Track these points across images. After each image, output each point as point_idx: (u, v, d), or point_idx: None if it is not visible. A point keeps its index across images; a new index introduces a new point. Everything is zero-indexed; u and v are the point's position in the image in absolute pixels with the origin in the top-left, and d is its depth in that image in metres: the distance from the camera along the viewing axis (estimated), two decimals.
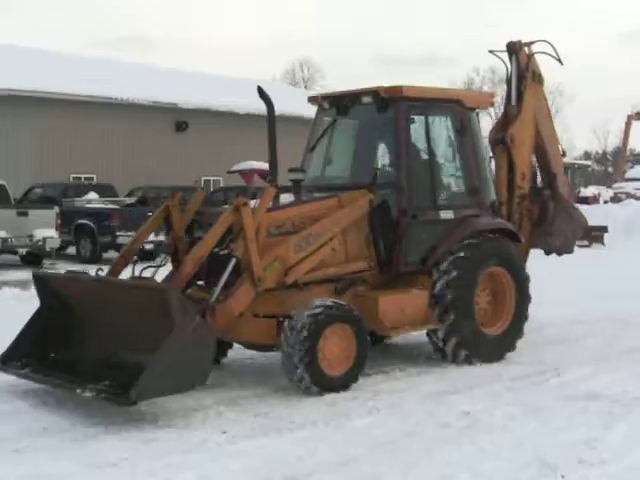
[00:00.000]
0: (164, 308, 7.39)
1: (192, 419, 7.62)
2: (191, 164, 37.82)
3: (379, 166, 10.40)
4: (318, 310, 8.34)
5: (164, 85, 39.96)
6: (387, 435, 7.07)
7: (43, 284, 9.04)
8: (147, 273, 9.22)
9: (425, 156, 10.16)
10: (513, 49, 11.81)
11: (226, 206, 8.67)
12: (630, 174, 58.44)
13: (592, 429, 7.13)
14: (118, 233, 23.82)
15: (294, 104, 46.75)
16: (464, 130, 10.36)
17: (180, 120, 39.25)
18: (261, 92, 10.14)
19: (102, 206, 25.76)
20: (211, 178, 39.50)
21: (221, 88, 43.28)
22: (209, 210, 9.74)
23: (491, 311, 10.22)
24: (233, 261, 8.30)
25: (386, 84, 10.04)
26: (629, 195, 45.73)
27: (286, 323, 8.36)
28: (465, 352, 9.72)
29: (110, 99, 36.28)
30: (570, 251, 12.44)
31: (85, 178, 34.41)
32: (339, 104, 10.54)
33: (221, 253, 8.61)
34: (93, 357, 8.34)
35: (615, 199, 44.07)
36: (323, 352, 8.32)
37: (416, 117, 10.06)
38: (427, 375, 9.32)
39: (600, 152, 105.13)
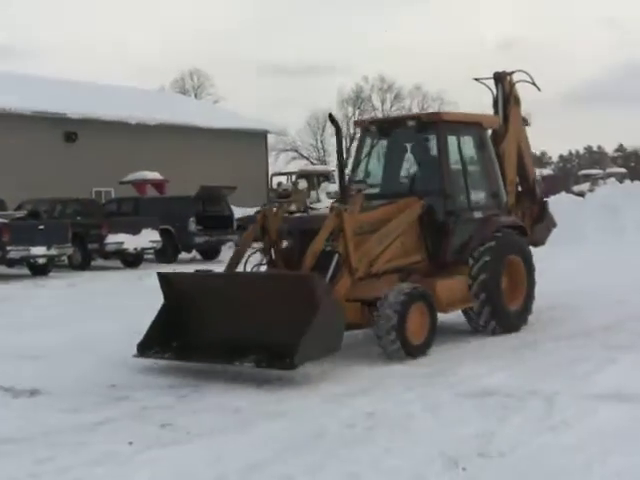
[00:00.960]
0: (310, 291, 9.26)
1: (98, 432, 7.63)
2: (82, 175, 37.32)
3: (425, 177, 12.48)
4: (406, 292, 10.35)
5: (51, 95, 39.39)
6: (293, 438, 7.22)
7: (167, 283, 10.62)
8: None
9: (459, 167, 12.38)
10: (499, 78, 14.13)
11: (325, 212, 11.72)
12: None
13: (489, 423, 7.42)
14: (8, 248, 23.30)
15: (186, 113, 46.74)
16: (483, 146, 12.78)
17: (69, 131, 38.72)
18: (332, 119, 11.88)
19: None
20: (102, 189, 39.06)
21: (111, 98, 42.94)
22: (302, 217, 12.47)
23: (510, 291, 12.32)
24: (337, 256, 10.22)
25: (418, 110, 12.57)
26: None
27: (379, 303, 10.24)
28: (494, 323, 11.92)
29: None
30: (543, 243, 14.76)
31: None
32: (384, 127, 12.94)
33: (326, 250, 10.28)
34: (229, 339, 9.80)
35: None
36: (408, 324, 10.25)
37: (450, 136, 12.20)
38: (329, 378, 9.51)
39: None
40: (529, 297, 12.68)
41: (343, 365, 10.07)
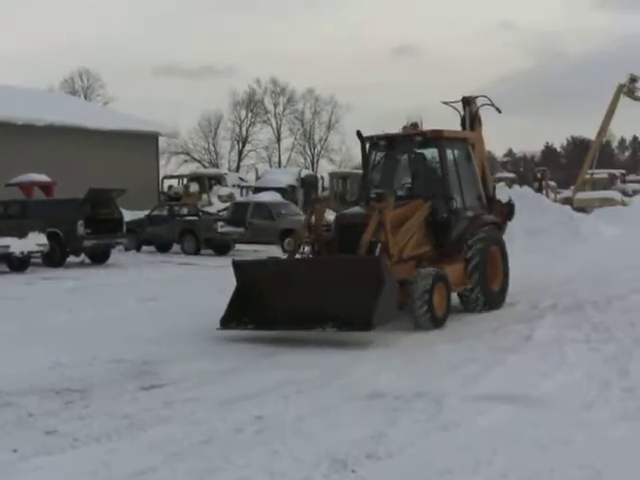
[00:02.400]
0: (376, 270, 11.73)
1: None
2: None
3: (430, 183, 14.86)
4: (432, 274, 12.96)
5: None
6: (183, 443, 7.17)
7: (240, 268, 12.85)
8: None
9: (456, 175, 14.92)
10: (467, 101, 16.53)
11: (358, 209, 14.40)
12: None
13: (377, 425, 7.49)
14: None
15: (75, 114, 45.97)
16: (469, 157, 15.41)
17: None
18: (359, 135, 14.50)
19: None
20: None
21: None
22: (344, 213, 14.93)
23: (492, 276, 14.91)
24: (379, 245, 12.64)
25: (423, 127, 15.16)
26: None
27: (413, 282, 12.68)
28: (483, 300, 14.48)
29: None
30: None
31: None
32: (392, 142, 15.26)
33: (372, 240, 12.68)
34: (304, 312, 11.85)
35: None
36: (434, 299, 12.76)
37: (447, 150, 14.82)
38: (218, 382, 9.47)
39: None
40: (505, 280, 15.40)
41: (232, 370, 10.06)
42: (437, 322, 12.82)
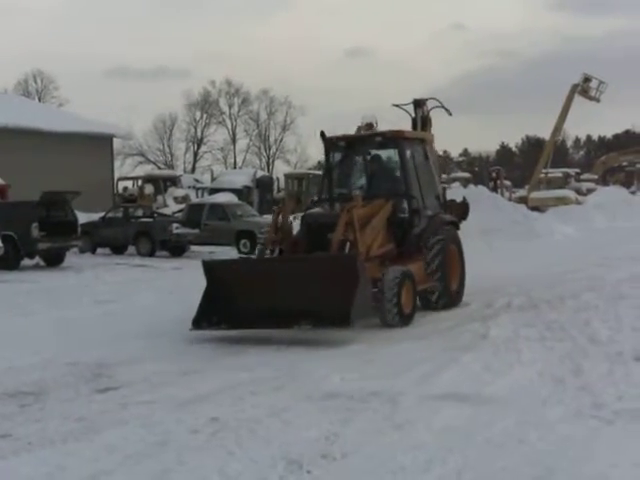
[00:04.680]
0: (352, 268, 11.84)
1: None
2: None
3: (391, 182, 15.14)
4: (399, 273, 13.13)
5: None
6: (138, 446, 7.15)
7: (210, 268, 12.90)
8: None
9: (415, 175, 15.05)
10: (418, 104, 16.81)
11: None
12: None
13: (332, 425, 7.52)
14: None
15: (29, 116, 45.62)
16: (427, 157, 15.71)
17: None
18: (323, 136, 15.09)
19: None
20: None
21: None
22: (313, 212, 15.42)
23: (450, 274, 15.05)
24: (348, 244, 12.81)
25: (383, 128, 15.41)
26: None
27: (382, 281, 12.80)
28: (443, 300, 14.74)
29: None
30: None
31: None
32: (352, 143, 15.41)
33: (341, 239, 12.79)
34: (277, 311, 11.87)
35: None
36: (402, 298, 12.96)
37: (407, 150, 15.02)
38: (172, 384, 9.43)
39: None
40: (463, 279, 15.67)
41: (188, 371, 10.02)
42: (405, 319, 13.06)
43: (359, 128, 15.81)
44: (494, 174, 52.98)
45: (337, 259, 12.57)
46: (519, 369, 9.70)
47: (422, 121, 16.77)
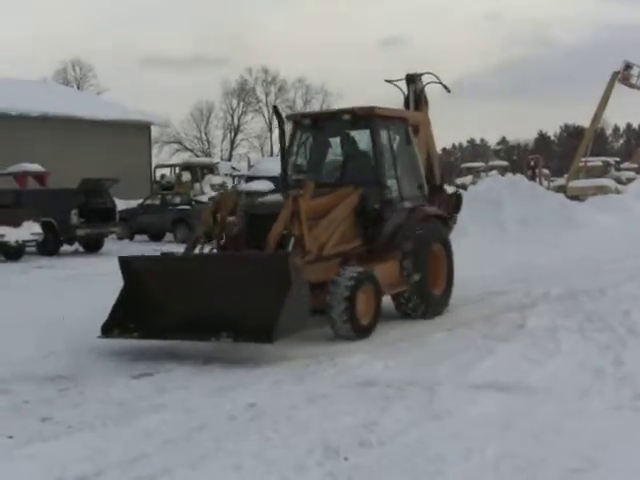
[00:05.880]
0: (284, 271, 9.88)
1: None
2: None
3: (361, 168, 12.94)
4: (354, 275, 11.08)
5: None
6: (176, 431, 7.20)
7: (127, 265, 11.07)
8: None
9: (391, 160, 12.96)
10: (411, 79, 14.85)
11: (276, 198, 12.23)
12: None
13: (370, 413, 7.51)
14: None
15: (68, 105, 45.89)
16: (409, 141, 13.44)
17: None
18: (276, 111, 12.91)
19: None
20: None
21: None
22: (257, 202, 12.78)
23: (433, 277, 13.07)
24: (293, 239, 10.77)
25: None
26: None
27: (331, 285, 10.94)
28: (423, 306, 12.65)
29: None
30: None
31: None
32: (318, 120, 13.46)
33: (284, 233, 10.84)
34: (198, 319, 10.14)
35: None
36: (357, 306, 10.98)
37: (382, 130, 12.84)
38: (210, 371, 9.48)
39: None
40: (450, 282, 13.57)
41: (223, 358, 10.05)
42: (361, 332, 11.08)
43: None
44: (532, 162, 52.50)
45: (265, 259, 10.55)
46: (558, 359, 9.63)
47: (415, 98, 14.91)
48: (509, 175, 37.99)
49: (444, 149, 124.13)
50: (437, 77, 14.79)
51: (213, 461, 6.42)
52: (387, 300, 12.32)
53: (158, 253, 12.64)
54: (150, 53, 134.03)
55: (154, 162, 52.83)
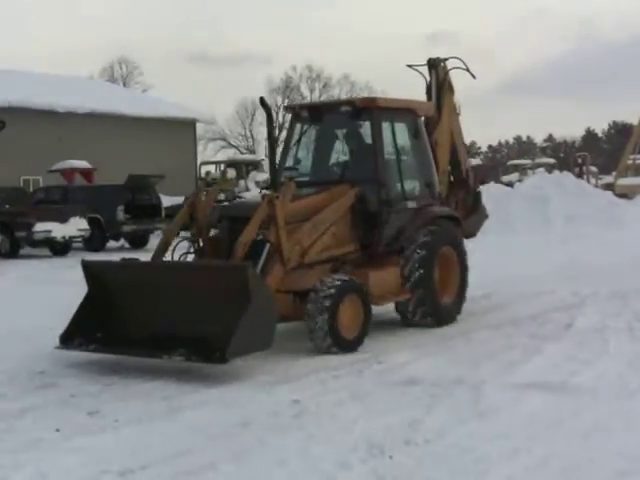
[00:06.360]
0: (242, 282, 8.88)
1: (24, 418, 7.60)
2: (10, 163, 36.78)
3: (358, 164, 11.97)
4: (337, 284, 10.05)
5: None
6: (220, 426, 7.21)
7: (90, 271, 10.29)
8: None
9: (393, 155, 11.94)
10: (433, 64, 13.81)
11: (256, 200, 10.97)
12: None
13: (415, 411, 7.45)
14: None
15: (114, 102, 46.24)
16: (418, 134, 12.38)
17: None
18: (262, 102, 11.41)
19: None
20: (31, 177, 38.56)
21: (40, 86, 42.32)
22: (233, 204, 12.53)
23: (442, 284, 12.06)
24: (268, 246, 9.83)
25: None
26: None
27: (311, 295, 9.97)
28: (427, 316, 11.68)
29: None
30: (474, 235, 14.47)
31: None
32: (316, 113, 12.42)
33: (257, 239, 9.89)
34: (157, 331, 9.42)
35: None
36: (340, 317, 9.99)
37: (384, 123, 11.84)
38: (255, 366, 9.43)
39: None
40: (462, 290, 12.52)
41: (268, 353, 10.01)
42: (345, 346, 10.08)
43: None
44: (580, 160, 52.07)
45: (222, 270, 9.56)
46: (606, 359, 9.50)
47: (437, 85, 13.83)
48: (556, 173, 37.66)
49: (490, 146, 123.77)
50: (463, 62, 13.86)
51: (257, 457, 6.40)
52: None
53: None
54: (195, 50, 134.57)
55: (199, 159, 53.15)
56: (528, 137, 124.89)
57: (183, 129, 48.83)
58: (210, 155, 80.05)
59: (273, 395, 8.21)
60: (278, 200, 10.07)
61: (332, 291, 9.96)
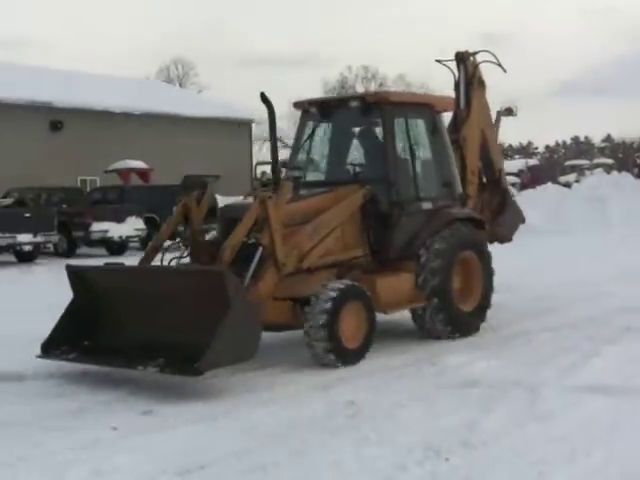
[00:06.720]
0: (220, 289, 8.22)
1: (81, 418, 7.67)
2: (67, 164, 37.25)
3: (368, 163, 11.39)
4: (337, 290, 9.38)
5: (38, 84, 39.24)
6: (278, 426, 7.21)
7: (76, 277, 9.84)
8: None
9: (407, 153, 11.22)
10: (461, 58, 13.06)
11: (248, 200, 10.05)
12: None
13: (472, 413, 7.39)
14: None
15: (170, 102, 46.58)
16: (436, 130, 11.64)
17: (55, 119, 38.60)
18: (263, 97, 10.64)
19: None
20: (88, 178, 38.99)
21: (97, 87, 42.79)
22: (230, 204, 11.58)
23: (463, 291, 11.36)
24: (260, 249, 9.17)
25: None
26: None
27: (310, 302, 9.31)
28: (444, 325, 10.90)
29: None
30: (510, 240, 13.87)
31: None
32: (326, 109, 11.74)
33: (249, 242, 9.28)
34: (136, 340, 8.98)
35: None
36: (341, 327, 9.33)
37: (397, 119, 11.14)
38: (310, 367, 9.42)
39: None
40: (485, 297, 11.66)
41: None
42: (347, 357, 9.43)
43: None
44: (639, 160, 51.40)
45: (199, 275, 9.01)
46: None
47: (466, 80, 13.05)
48: (614, 173, 37.26)
49: (547, 146, 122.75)
50: (494, 55, 13.05)
51: (312, 457, 6.38)
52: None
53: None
54: (251, 52, 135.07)
55: (255, 159, 53.30)
56: (586, 137, 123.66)
57: (239, 129, 49.09)
58: (266, 155, 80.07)
59: (328, 396, 8.18)
60: (271, 200, 9.43)
61: (332, 297, 9.31)
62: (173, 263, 10.13)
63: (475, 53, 13.17)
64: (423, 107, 11.65)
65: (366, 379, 8.85)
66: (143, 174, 36.00)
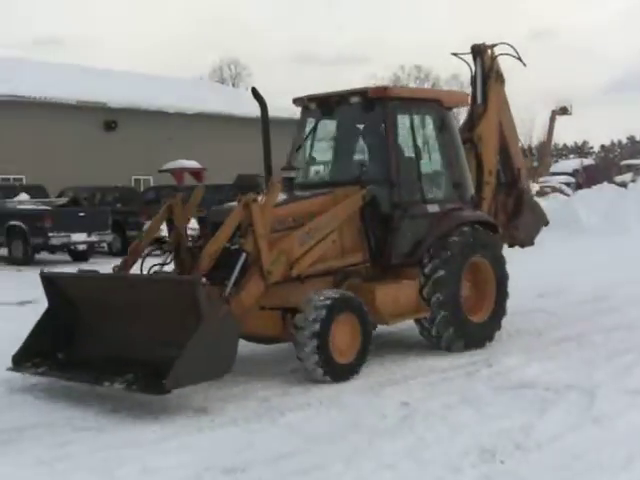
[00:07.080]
0: (192, 299, 7.68)
1: (127, 417, 7.74)
2: (121, 163, 37.51)
3: (369, 163, 10.58)
4: (328, 301, 8.73)
5: (92, 84, 39.59)
6: (328, 427, 7.20)
7: (51, 284, 9.32)
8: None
9: (412, 153, 10.55)
10: (478, 51, 12.33)
11: (234, 203, 9.21)
12: (555, 168, 60.29)
13: (527, 416, 7.32)
14: (50, 234, 23.81)
15: (223, 102, 46.79)
16: (444, 127, 10.88)
17: (109, 119, 38.93)
18: (255, 93, 10.30)
19: (34, 207, 25.50)
20: (142, 177, 39.28)
21: (151, 87, 43.09)
22: (217, 208, 10.74)
23: (474, 299, 10.73)
24: (244, 256, 8.53)
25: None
26: (554, 189, 46.71)
27: (298, 314, 8.73)
28: (451, 337, 10.18)
29: (37, 99, 35.94)
30: (532, 243, 13.12)
31: (14, 179, 34.01)
32: (325, 105, 10.99)
33: (232, 248, 8.70)
34: (109, 353, 8.55)
35: (541, 193, 44.83)
36: (333, 341, 8.71)
37: (401, 115, 10.50)
38: (362, 368, 9.31)
39: (525, 146, 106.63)
40: (499, 304, 10.95)
41: (374, 356, 9.95)
42: (339, 373, 8.80)
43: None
44: None
45: (171, 285, 8.43)
46: None
47: (483, 74, 12.32)
48: None
49: (602, 146, 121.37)
50: (513, 47, 12.32)
51: (365, 459, 6.35)
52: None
53: None
54: (303, 52, 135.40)
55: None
56: (631, 136, 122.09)
57: (291, 129, 49.15)
58: None
59: (381, 397, 8.16)
60: (256, 204, 8.76)
61: (322, 307, 8.69)
62: (154, 270, 9.44)
63: (493, 46, 12.39)
64: (430, 103, 10.93)
65: (419, 380, 8.83)
66: (196, 174, 36.23)
